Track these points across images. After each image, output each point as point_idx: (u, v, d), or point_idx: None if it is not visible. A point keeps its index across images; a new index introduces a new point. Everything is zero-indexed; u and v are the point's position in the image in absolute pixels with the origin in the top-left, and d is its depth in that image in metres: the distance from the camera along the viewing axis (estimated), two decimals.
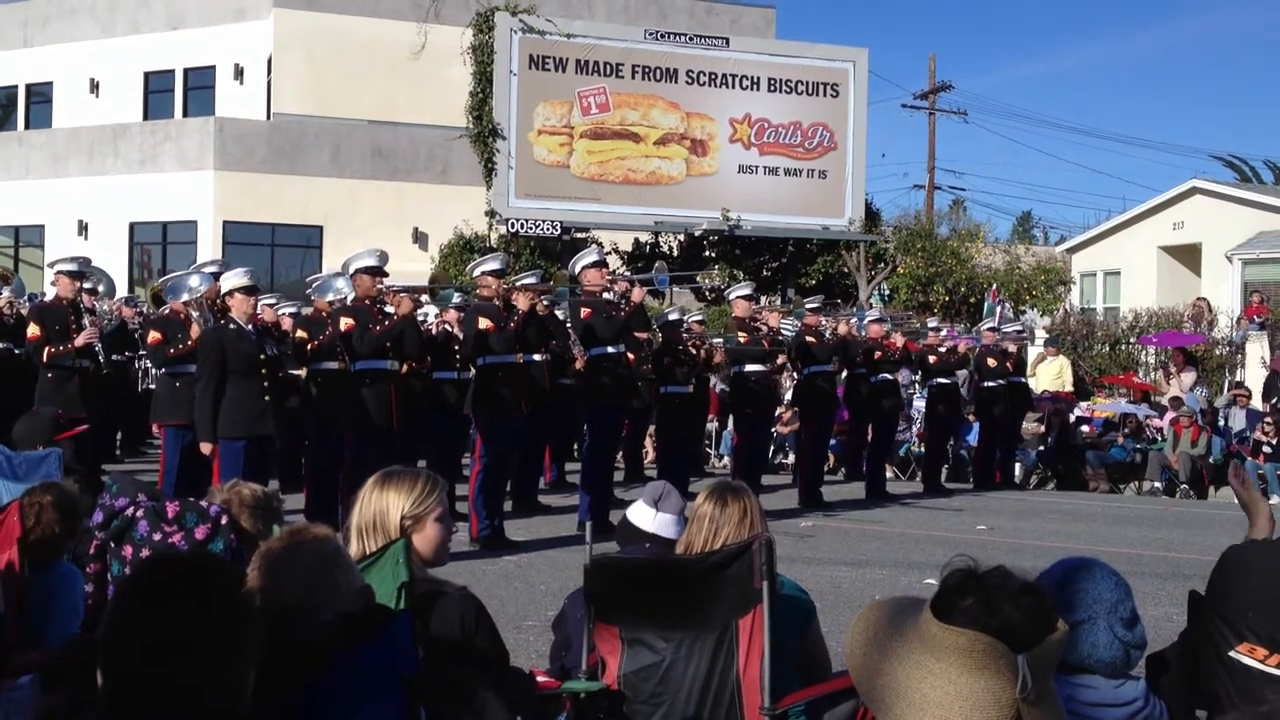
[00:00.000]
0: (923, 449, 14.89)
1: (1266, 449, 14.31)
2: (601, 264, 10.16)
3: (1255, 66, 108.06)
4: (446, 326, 10.60)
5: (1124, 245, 25.12)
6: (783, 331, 12.12)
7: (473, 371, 9.51)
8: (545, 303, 9.88)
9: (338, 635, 2.36)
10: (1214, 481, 14.96)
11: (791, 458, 14.97)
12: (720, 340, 12.13)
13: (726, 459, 14.96)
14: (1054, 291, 24.51)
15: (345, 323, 8.74)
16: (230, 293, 8.44)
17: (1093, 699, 2.40)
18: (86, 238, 26.43)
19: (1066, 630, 1.82)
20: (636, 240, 25.27)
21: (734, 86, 24.61)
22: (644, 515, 3.89)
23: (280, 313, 11.49)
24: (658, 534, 3.83)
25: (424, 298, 10.62)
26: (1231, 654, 2.59)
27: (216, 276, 9.10)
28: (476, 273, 9.60)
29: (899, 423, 14.65)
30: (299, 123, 26.78)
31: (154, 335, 9.19)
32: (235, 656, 1.87)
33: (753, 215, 24.08)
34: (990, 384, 14.15)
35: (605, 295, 9.80)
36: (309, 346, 9.70)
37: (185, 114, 28.91)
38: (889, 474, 14.07)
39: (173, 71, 29.30)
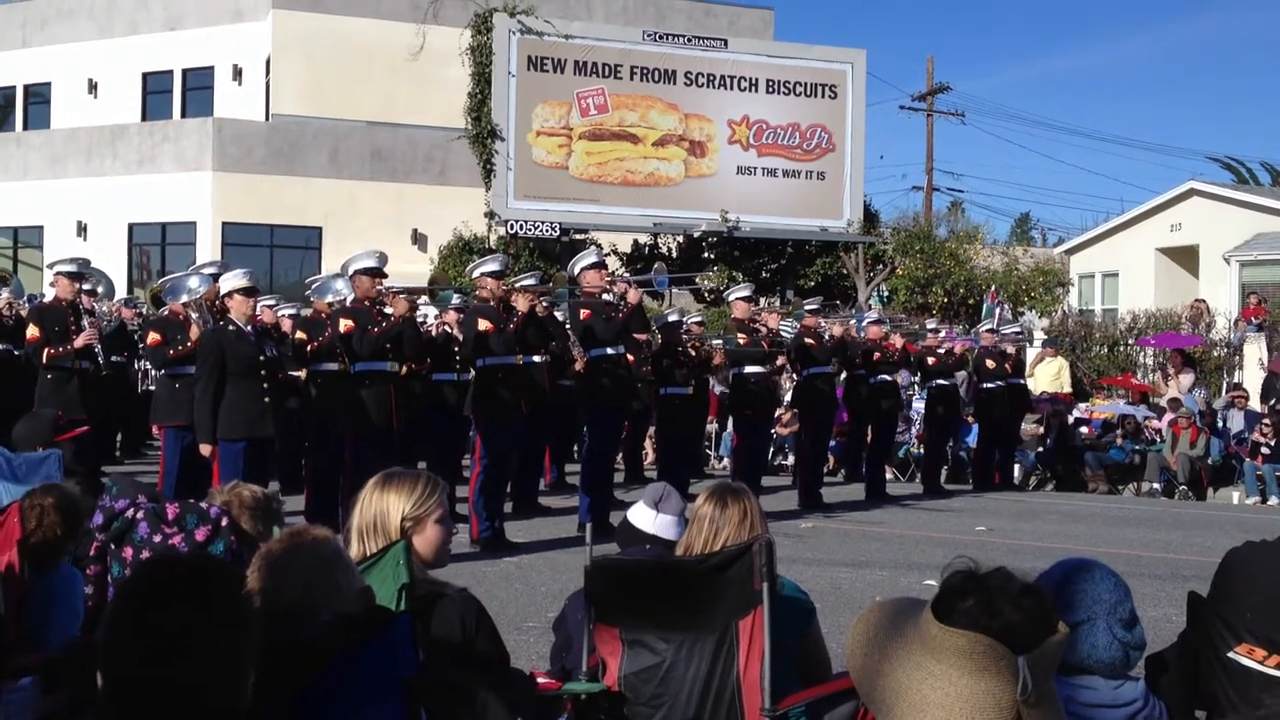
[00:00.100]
0: (922, 450, 14.90)
1: (1265, 450, 14.32)
2: (600, 265, 10.16)
3: (1252, 69, 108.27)
4: (446, 328, 10.60)
5: (1122, 247, 25.13)
6: (782, 333, 12.12)
7: (472, 373, 9.50)
8: (544, 304, 9.88)
9: (338, 637, 2.36)
10: (1213, 483, 14.98)
11: (791, 459, 14.97)
12: (720, 342, 12.13)
13: (726, 460, 14.96)
14: (1052, 293, 24.52)
15: (344, 324, 8.73)
16: (229, 294, 8.43)
17: (1092, 700, 2.40)
18: (85, 239, 26.42)
19: (1067, 632, 1.82)
20: (635, 241, 25.28)
21: (732, 88, 24.62)
22: (644, 517, 3.89)
23: (280, 314, 11.49)
24: (658, 535, 3.84)
25: (423, 299, 10.63)
26: (1230, 655, 2.59)
27: (216, 278, 9.10)
28: (476, 274, 9.60)
29: (898, 424, 14.66)
30: (298, 124, 26.78)
31: (153, 336, 9.19)
32: (235, 658, 1.87)
33: (751, 216, 24.09)
34: (989, 385, 14.16)
35: (604, 296, 9.81)
36: (308, 348, 9.70)
37: (184, 115, 28.91)
38: (888, 475, 14.07)
39: (171, 72, 29.29)
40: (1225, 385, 17.64)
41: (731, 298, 12.16)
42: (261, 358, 8.28)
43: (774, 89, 24.85)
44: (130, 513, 3.44)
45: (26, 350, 10.07)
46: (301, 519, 7.86)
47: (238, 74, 28.52)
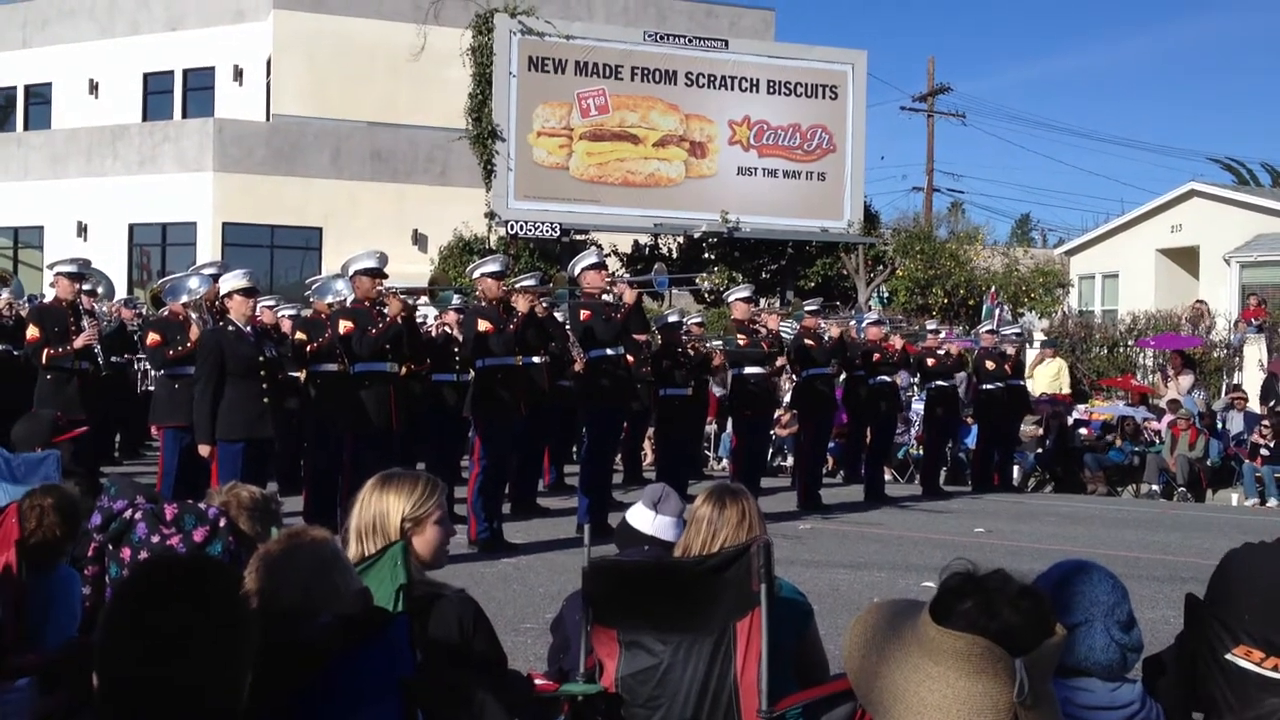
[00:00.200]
0: (921, 451, 14.89)
1: (1264, 451, 14.31)
2: (601, 266, 10.15)
3: (1252, 70, 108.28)
4: (446, 328, 10.60)
5: (1122, 248, 25.13)
6: (782, 334, 12.12)
7: (472, 374, 9.50)
8: (544, 305, 9.87)
9: (336, 637, 2.36)
10: (1212, 484, 14.97)
11: (790, 460, 14.97)
12: (719, 342, 12.13)
13: (725, 461, 14.95)
14: (1052, 294, 24.52)
15: (344, 325, 8.73)
16: (229, 294, 8.43)
17: (1089, 702, 2.40)
18: (85, 239, 26.43)
19: (1065, 634, 1.82)
20: (636, 242, 25.29)
21: (733, 88, 24.63)
22: (643, 517, 3.89)
23: (279, 314, 11.50)
24: (656, 536, 3.83)
25: (423, 300, 10.62)
26: (1228, 657, 2.59)
27: (216, 278, 9.10)
28: (476, 274, 9.60)
29: (897, 425, 14.66)
30: (298, 124, 26.79)
31: (153, 337, 9.18)
32: (233, 659, 1.87)
33: (752, 217, 24.09)
34: (988, 387, 14.16)
35: (604, 297, 9.80)
36: (308, 348, 9.70)
37: (184, 115, 28.91)
38: (887, 476, 14.06)
39: (172, 73, 29.30)
40: (1225, 387, 17.63)
41: (731, 298, 12.16)
42: (261, 358, 8.28)
43: (775, 90, 24.85)
44: (128, 513, 3.43)
45: (26, 351, 10.07)
46: (300, 520, 7.88)
47: (238, 74, 28.52)
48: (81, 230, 26.87)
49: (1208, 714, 2.67)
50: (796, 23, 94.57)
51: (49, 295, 11.11)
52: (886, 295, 24.61)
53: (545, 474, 12.18)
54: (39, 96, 30.75)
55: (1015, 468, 15.27)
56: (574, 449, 13.25)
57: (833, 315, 14.50)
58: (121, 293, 19.84)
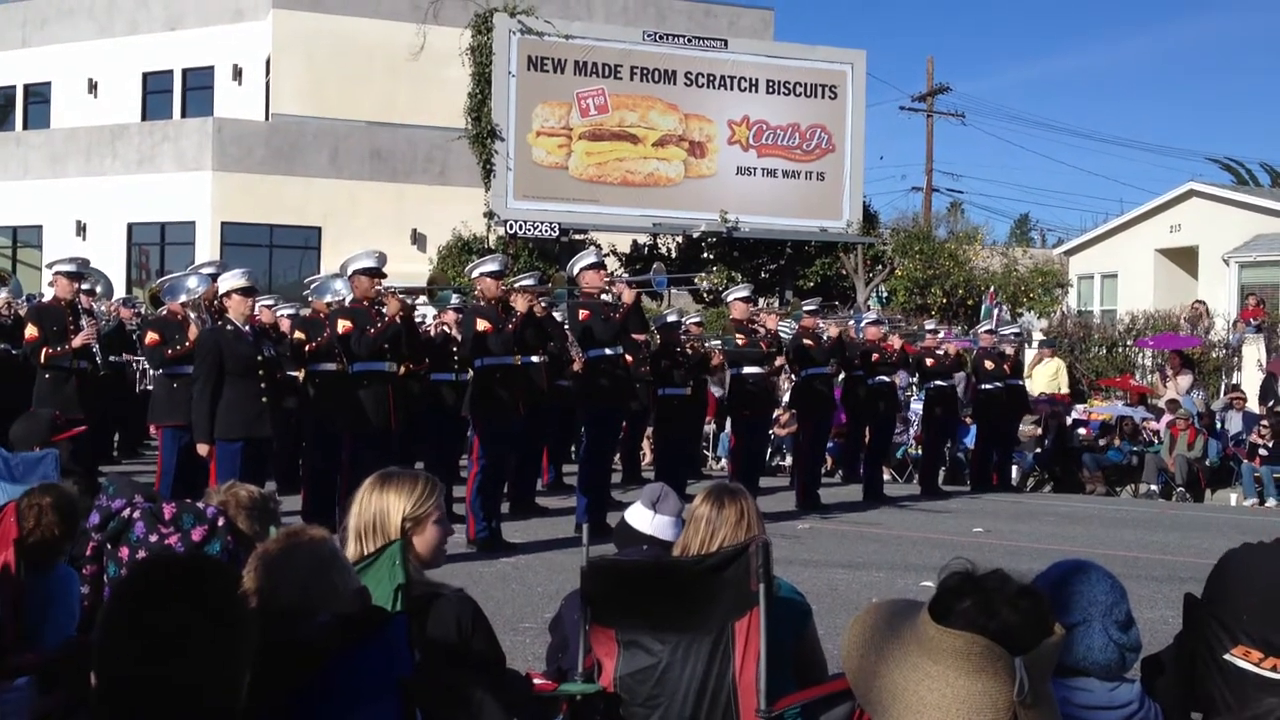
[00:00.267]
0: (920, 451, 14.89)
1: (1263, 451, 14.32)
2: (600, 266, 10.16)
3: (1252, 70, 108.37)
4: (444, 328, 10.59)
5: (1121, 248, 25.13)
6: (780, 334, 12.12)
7: (470, 373, 9.50)
8: (543, 304, 9.88)
9: (334, 637, 2.36)
10: (1210, 484, 14.98)
11: (789, 460, 14.97)
12: (718, 342, 12.12)
13: (724, 461, 14.96)
14: (1051, 294, 24.52)
15: (343, 325, 8.73)
16: (228, 294, 8.43)
17: (1088, 702, 2.40)
18: (84, 238, 26.42)
19: (1064, 634, 1.82)
20: (635, 242, 25.28)
21: (732, 88, 24.63)
22: (642, 517, 3.89)
23: (278, 314, 11.50)
24: (655, 536, 3.83)
25: (422, 299, 10.62)
26: (1226, 657, 2.59)
27: (214, 277, 9.10)
28: (475, 274, 9.60)
29: (896, 425, 14.66)
30: (298, 124, 26.78)
31: (152, 336, 9.18)
32: (231, 658, 1.87)
33: (751, 217, 24.09)
34: (987, 386, 14.16)
35: (603, 297, 9.81)
36: (307, 348, 9.69)
37: (184, 114, 28.90)
38: (886, 476, 14.06)
39: (171, 72, 29.29)
40: (1223, 387, 17.64)
41: (730, 298, 12.16)
42: (259, 358, 8.28)
43: (774, 89, 24.85)
44: (127, 512, 3.43)
45: (25, 350, 10.07)
46: (298, 519, 7.87)
47: (238, 74, 28.52)
48: (80, 229, 26.86)
49: (1206, 714, 2.67)
50: (796, 23, 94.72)
51: (48, 294, 11.11)
52: (885, 295, 24.61)
53: (544, 473, 12.18)
54: (38, 96, 30.74)
55: (1014, 468, 15.27)
56: (572, 448, 13.25)
57: (831, 315, 14.51)
58: (120, 292, 19.82)
